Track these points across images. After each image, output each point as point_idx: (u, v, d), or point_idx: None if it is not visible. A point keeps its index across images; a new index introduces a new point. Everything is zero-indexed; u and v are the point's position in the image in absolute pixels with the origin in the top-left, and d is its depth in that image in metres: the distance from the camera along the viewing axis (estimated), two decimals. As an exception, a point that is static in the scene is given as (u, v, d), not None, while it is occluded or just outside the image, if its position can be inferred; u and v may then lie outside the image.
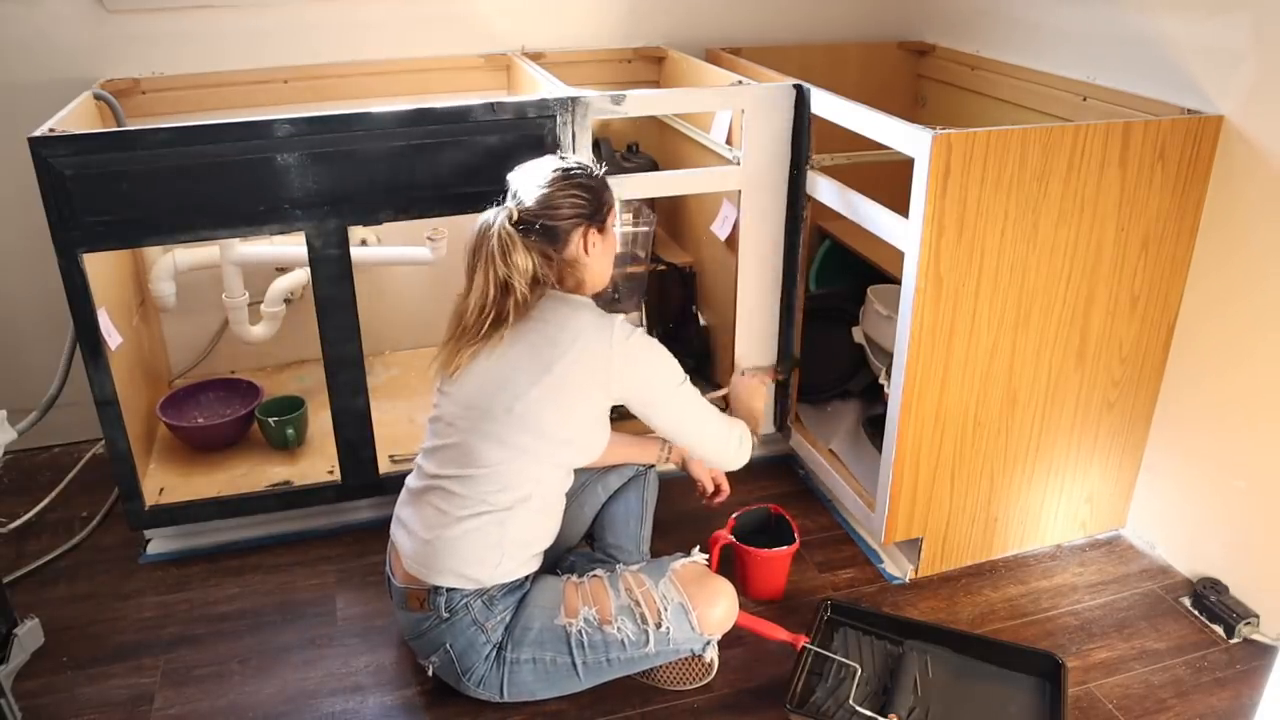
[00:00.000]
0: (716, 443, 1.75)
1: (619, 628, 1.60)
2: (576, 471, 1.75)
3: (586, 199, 1.62)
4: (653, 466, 1.91)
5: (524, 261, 1.57)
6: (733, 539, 1.90)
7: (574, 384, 1.58)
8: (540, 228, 1.59)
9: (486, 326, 1.59)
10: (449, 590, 1.60)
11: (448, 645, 1.62)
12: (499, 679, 1.62)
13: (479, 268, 1.59)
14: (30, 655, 1.79)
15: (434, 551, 1.61)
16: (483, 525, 1.59)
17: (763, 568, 1.92)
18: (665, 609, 1.61)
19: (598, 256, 1.66)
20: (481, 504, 1.59)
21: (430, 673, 1.69)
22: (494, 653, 1.61)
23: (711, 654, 1.70)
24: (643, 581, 1.64)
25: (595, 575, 1.67)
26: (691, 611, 1.62)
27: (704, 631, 1.63)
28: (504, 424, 1.58)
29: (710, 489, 1.96)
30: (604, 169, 1.70)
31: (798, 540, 1.93)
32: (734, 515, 1.97)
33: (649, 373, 1.64)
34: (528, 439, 1.59)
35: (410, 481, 1.72)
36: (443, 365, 1.65)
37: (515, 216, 1.59)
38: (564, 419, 1.60)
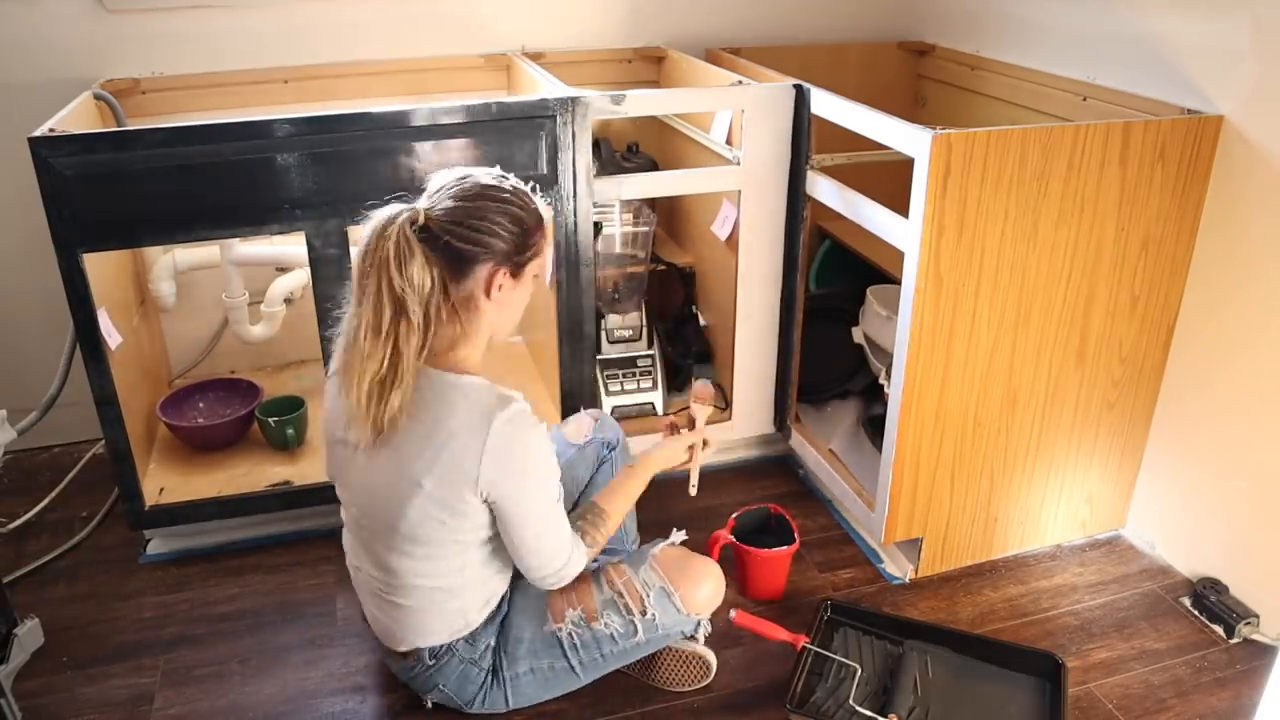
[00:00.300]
0: (546, 558, 1.50)
1: (605, 623, 1.58)
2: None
3: (511, 232, 1.37)
4: (615, 448, 1.84)
5: (421, 278, 1.31)
6: (733, 539, 1.90)
7: (450, 499, 1.42)
8: (445, 245, 1.34)
9: (385, 364, 1.32)
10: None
11: (441, 686, 1.60)
12: (502, 696, 1.61)
13: (370, 275, 1.31)
14: (30, 655, 1.79)
15: (398, 628, 1.57)
16: (433, 601, 1.53)
17: (763, 568, 1.92)
18: (648, 595, 1.59)
19: (499, 306, 1.41)
20: (419, 590, 1.52)
21: (429, 705, 1.66)
22: (489, 678, 1.59)
23: (705, 631, 1.68)
24: (624, 572, 1.62)
25: None
26: (674, 594, 1.60)
27: (690, 612, 1.61)
28: (397, 542, 1.48)
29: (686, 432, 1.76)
30: (541, 194, 1.47)
31: (798, 540, 1.93)
32: (734, 515, 1.97)
33: (521, 481, 1.43)
34: (431, 549, 1.48)
35: (346, 543, 1.64)
36: (338, 428, 1.45)
37: (420, 219, 1.33)
38: (454, 529, 1.46)
